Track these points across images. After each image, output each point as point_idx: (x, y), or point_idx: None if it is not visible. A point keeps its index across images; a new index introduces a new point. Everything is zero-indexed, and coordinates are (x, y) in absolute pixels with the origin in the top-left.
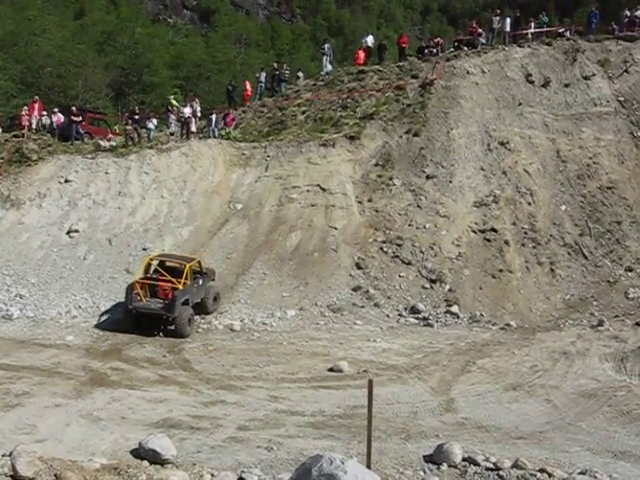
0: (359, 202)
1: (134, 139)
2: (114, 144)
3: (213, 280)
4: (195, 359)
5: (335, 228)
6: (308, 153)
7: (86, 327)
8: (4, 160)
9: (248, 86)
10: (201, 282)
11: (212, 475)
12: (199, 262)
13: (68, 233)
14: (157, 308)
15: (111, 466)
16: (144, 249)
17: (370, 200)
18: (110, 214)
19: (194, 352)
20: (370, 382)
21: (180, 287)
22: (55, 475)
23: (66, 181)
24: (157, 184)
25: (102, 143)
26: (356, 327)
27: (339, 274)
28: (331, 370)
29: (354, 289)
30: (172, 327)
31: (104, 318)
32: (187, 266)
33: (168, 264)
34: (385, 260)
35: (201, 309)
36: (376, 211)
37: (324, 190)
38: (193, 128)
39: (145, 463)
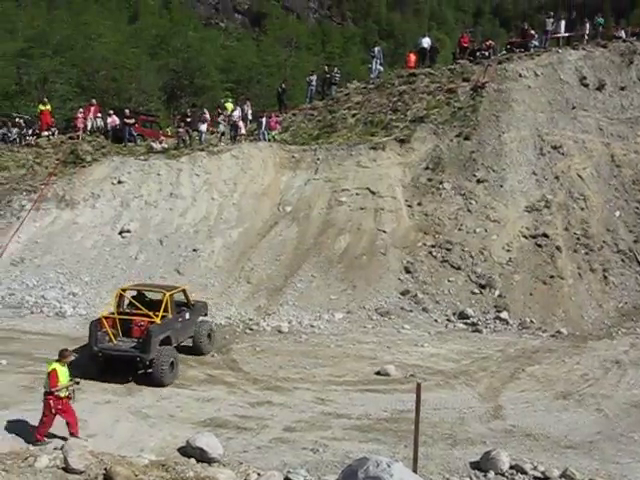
0: (408, 206)
1: (186, 141)
2: (166, 146)
3: (205, 315)
4: (243, 360)
5: (384, 231)
6: (358, 156)
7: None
8: (59, 161)
9: None
10: (187, 316)
11: (258, 474)
12: (184, 291)
13: (120, 233)
14: (128, 349)
15: (159, 462)
16: (194, 250)
17: (420, 204)
18: (161, 215)
19: (242, 353)
20: (418, 386)
21: (157, 321)
22: (105, 469)
23: (119, 182)
24: (208, 186)
25: (154, 145)
26: (404, 331)
27: (387, 278)
28: (378, 374)
29: (402, 293)
30: (152, 370)
31: None
32: (167, 295)
33: (145, 296)
34: (434, 264)
35: (194, 350)
36: (425, 215)
37: (373, 193)
38: (242, 131)
39: (192, 461)
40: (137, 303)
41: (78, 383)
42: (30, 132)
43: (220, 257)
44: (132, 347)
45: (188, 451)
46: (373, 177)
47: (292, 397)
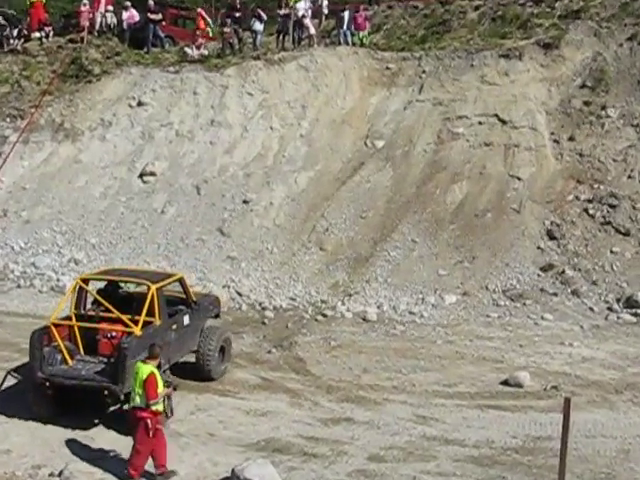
0: (555, 141)
1: (234, 46)
2: (206, 53)
3: (216, 316)
4: (312, 358)
5: (518, 178)
6: (482, 68)
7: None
8: (56, 74)
9: None
10: (187, 320)
11: None
12: (181, 282)
13: (141, 177)
14: (90, 376)
15: None
16: (245, 202)
17: (572, 139)
18: (199, 151)
19: (311, 348)
20: (567, 402)
21: (136, 331)
22: None
23: (139, 104)
24: (265, 110)
25: (189, 51)
26: (544, 323)
27: (522, 246)
28: (505, 383)
29: (543, 268)
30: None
31: None
32: (152, 289)
33: (120, 290)
34: (591, 228)
35: (197, 371)
36: (580, 155)
37: (504, 123)
38: (311, 30)
39: None
40: (105, 302)
41: (176, 389)
42: (15, 33)
43: (282, 212)
44: (97, 372)
45: None
46: (504, 99)
47: (381, 413)
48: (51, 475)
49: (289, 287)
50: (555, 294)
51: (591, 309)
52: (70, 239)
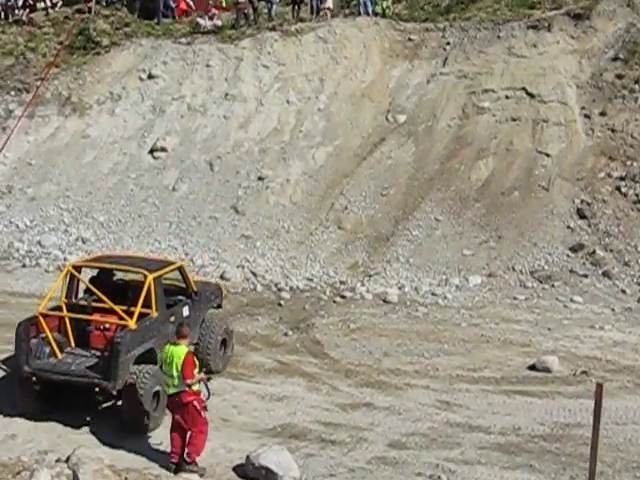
0: (586, 116)
1: (248, 16)
2: (220, 23)
3: (218, 306)
4: (330, 341)
5: (547, 155)
6: (509, 39)
7: None
8: (63, 46)
9: None
10: (186, 312)
11: None
12: (181, 270)
13: (152, 152)
14: (80, 371)
15: None
16: (260, 178)
17: (603, 114)
18: (212, 126)
19: (329, 331)
20: (599, 388)
21: (131, 324)
22: None
23: (150, 77)
24: (281, 83)
25: (202, 22)
26: (574, 306)
27: (551, 225)
28: (533, 368)
29: (573, 249)
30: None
31: None
32: (149, 278)
33: (113, 278)
34: (624, 207)
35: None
36: (612, 131)
37: (532, 97)
38: (329, 3)
39: None
40: (98, 292)
41: (210, 379)
42: (20, 3)
43: (299, 189)
44: (88, 367)
45: (248, 471)
46: (532, 72)
47: (403, 398)
48: (58, 461)
49: (306, 267)
50: (585, 275)
51: (623, 291)
52: (77, 217)
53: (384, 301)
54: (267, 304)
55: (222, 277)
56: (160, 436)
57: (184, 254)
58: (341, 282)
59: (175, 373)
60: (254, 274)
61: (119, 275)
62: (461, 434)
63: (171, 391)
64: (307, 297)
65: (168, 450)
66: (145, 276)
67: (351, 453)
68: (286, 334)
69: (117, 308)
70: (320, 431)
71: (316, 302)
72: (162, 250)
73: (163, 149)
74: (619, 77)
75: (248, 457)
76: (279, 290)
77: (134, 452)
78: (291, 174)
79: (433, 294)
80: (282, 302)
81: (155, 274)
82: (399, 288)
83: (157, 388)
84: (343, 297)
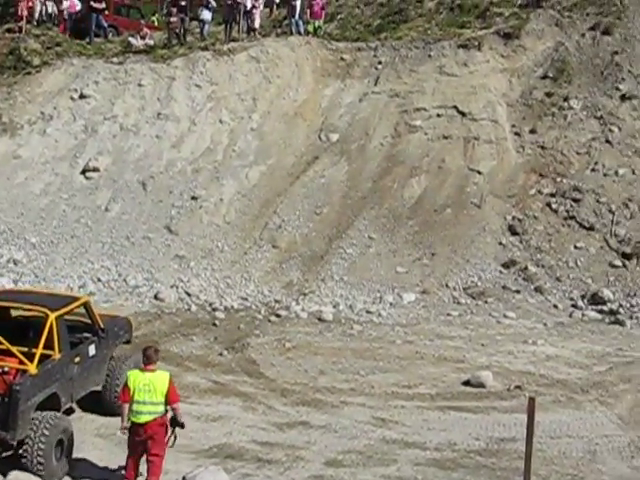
0: (516, 134)
1: (180, 36)
2: (152, 43)
3: (127, 342)
4: (266, 360)
5: (479, 172)
6: (440, 58)
7: (107, 309)
8: None
9: None
10: (93, 351)
11: None
12: (86, 306)
13: (84, 172)
14: None
15: None
16: (194, 198)
17: (533, 131)
18: (145, 146)
19: (264, 350)
20: (531, 402)
21: (31, 368)
22: None
23: (81, 97)
24: (214, 103)
25: (134, 41)
26: (507, 322)
27: (483, 242)
28: (467, 384)
29: (505, 265)
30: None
31: None
32: (51, 317)
33: (10, 315)
34: (554, 223)
35: (103, 405)
36: (542, 148)
37: (463, 115)
38: (256, 23)
39: None
40: None
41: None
42: None
43: (232, 209)
44: None
45: None
46: (463, 90)
47: (339, 416)
48: None
49: (241, 287)
50: (518, 291)
51: (555, 306)
52: (8, 238)
53: (319, 319)
54: (202, 324)
55: (156, 297)
56: (98, 458)
57: (117, 275)
58: (276, 301)
59: (160, 399)
60: (188, 294)
61: (19, 311)
62: (397, 451)
63: (146, 419)
64: (242, 317)
65: (105, 475)
66: (47, 315)
67: (288, 472)
68: (221, 354)
69: (16, 350)
70: (256, 451)
71: (251, 321)
72: (95, 271)
73: (95, 169)
74: (548, 95)
75: (184, 478)
76: (214, 310)
77: (69, 475)
78: (224, 193)
79: (368, 312)
80: (217, 322)
81: (57, 313)
82: (334, 306)
83: (58, 438)
84: (278, 316)
